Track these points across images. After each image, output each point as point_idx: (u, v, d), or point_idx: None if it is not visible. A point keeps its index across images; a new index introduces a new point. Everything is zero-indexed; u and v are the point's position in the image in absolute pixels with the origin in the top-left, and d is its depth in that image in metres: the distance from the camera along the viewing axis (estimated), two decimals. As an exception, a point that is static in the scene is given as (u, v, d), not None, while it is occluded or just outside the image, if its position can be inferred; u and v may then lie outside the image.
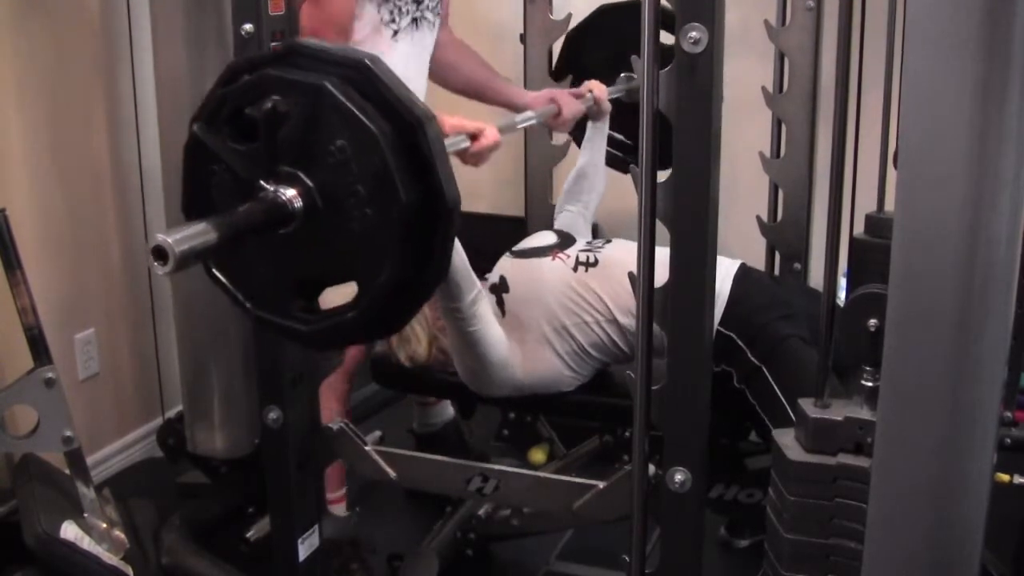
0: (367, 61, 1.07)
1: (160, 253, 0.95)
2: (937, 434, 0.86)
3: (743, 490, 1.88)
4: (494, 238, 3.58)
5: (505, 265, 2.08)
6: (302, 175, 1.07)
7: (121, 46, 2.48)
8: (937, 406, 0.85)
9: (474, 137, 1.70)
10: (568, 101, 2.21)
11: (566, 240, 2.10)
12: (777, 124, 2.48)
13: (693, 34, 1.19)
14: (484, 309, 1.84)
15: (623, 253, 1.99)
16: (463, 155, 1.72)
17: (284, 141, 1.07)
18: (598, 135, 2.32)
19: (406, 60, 2.09)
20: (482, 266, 3.60)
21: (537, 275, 2.00)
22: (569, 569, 2.27)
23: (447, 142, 1.65)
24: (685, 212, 1.27)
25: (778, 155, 2.46)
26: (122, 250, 2.59)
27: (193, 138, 1.11)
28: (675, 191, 1.26)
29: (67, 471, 1.96)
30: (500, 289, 2.02)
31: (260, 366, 1.59)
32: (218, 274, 1.15)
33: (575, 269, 1.98)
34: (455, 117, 1.81)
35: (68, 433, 1.91)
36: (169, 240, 0.95)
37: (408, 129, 1.05)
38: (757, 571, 1.40)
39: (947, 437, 0.86)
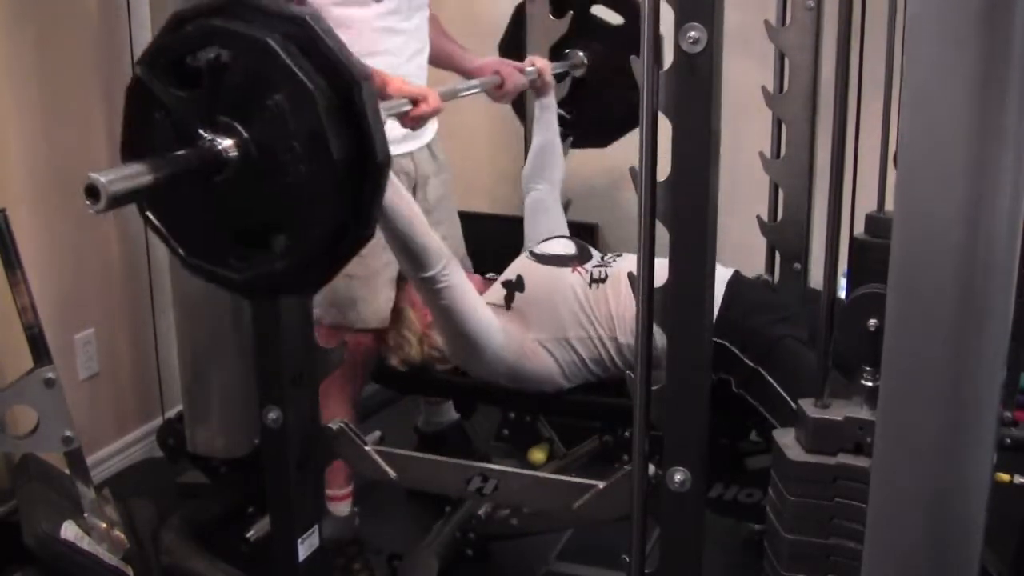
0: (308, 19, 1.08)
1: (92, 191, 0.97)
2: (937, 434, 0.86)
3: (743, 490, 1.88)
4: (494, 238, 3.59)
5: (525, 265, 2.08)
6: (239, 126, 1.09)
7: (121, 46, 2.48)
8: (937, 406, 0.85)
9: (415, 102, 1.71)
10: (510, 73, 2.22)
11: (584, 254, 2.10)
12: (777, 124, 2.47)
13: (692, 34, 1.19)
14: (457, 279, 1.83)
15: (631, 266, 1.99)
16: (403, 118, 1.73)
17: (225, 92, 1.08)
18: (547, 112, 2.32)
19: (392, 20, 2.06)
20: (482, 266, 3.60)
21: (556, 284, 2.00)
22: (569, 569, 2.27)
23: (389, 104, 1.68)
24: (685, 212, 1.27)
25: (778, 155, 2.46)
26: (122, 250, 2.59)
27: (136, 81, 1.13)
28: (675, 191, 1.26)
29: (67, 471, 1.96)
30: (514, 287, 2.02)
31: (260, 366, 1.59)
32: (152, 218, 1.17)
33: (589, 285, 1.98)
34: (397, 79, 1.81)
35: (68, 433, 1.91)
36: (102, 179, 0.97)
37: (344, 87, 1.07)
38: (757, 571, 1.40)
39: (947, 437, 0.86)
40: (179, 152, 1.08)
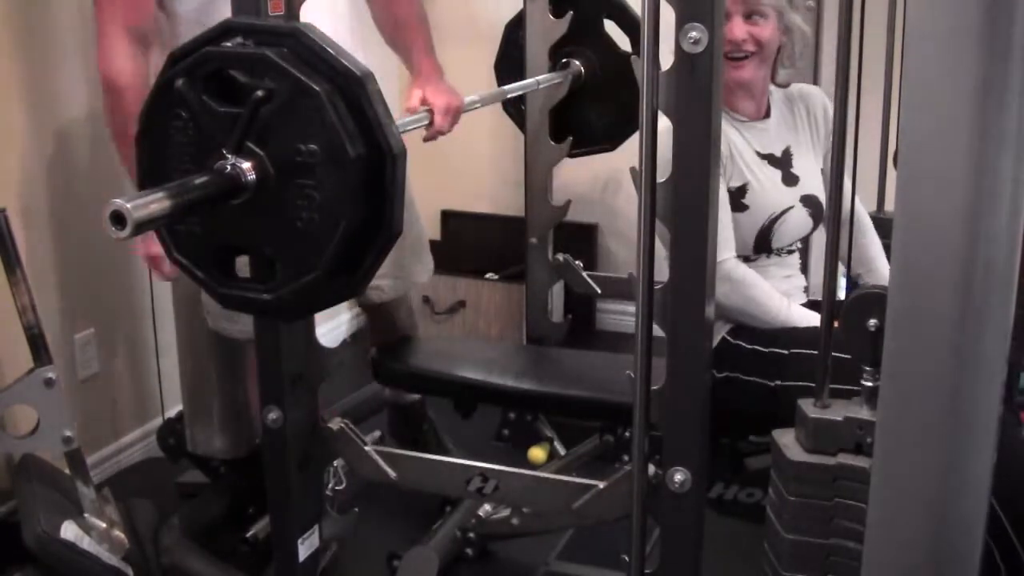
0: (364, 79, 1.09)
1: (118, 218, 0.97)
2: (937, 434, 0.86)
3: (743, 490, 1.88)
4: (494, 238, 3.60)
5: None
6: (259, 150, 1.09)
7: (121, 46, 2.48)
8: (937, 406, 0.85)
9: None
10: (442, 116, 1.96)
11: None
12: (777, 124, 2.47)
13: (693, 34, 1.19)
14: None
15: None
16: None
17: (259, 121, 1.08)
18: None
19: None
20: (482, 265, 3.61)
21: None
22: (568, 569, 2.27)
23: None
24: (685, 212, 1.27)
25: (778, 155, 2.46)
26: (122, 250, 2.59)
27: (168, 85, 1.12)
28: (675, 191, 1.26)
29: (67, 471, 1.96)
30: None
31: (260, 366, 1.59)
32: (181, 258, 1.17)
33: None
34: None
35: (68, 433, 1.91)
36: (128, 206, 0.97)
37: (381, 157, 1.09)
38: (757, 571, 1.40)
39: (947, 437, 0.86)
40: (203, 178, 1.08)
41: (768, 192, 1.96)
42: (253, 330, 1.57)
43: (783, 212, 1.96)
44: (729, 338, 1.92)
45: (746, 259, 1.96)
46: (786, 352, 1.84)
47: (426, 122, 1.93)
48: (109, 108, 1.90)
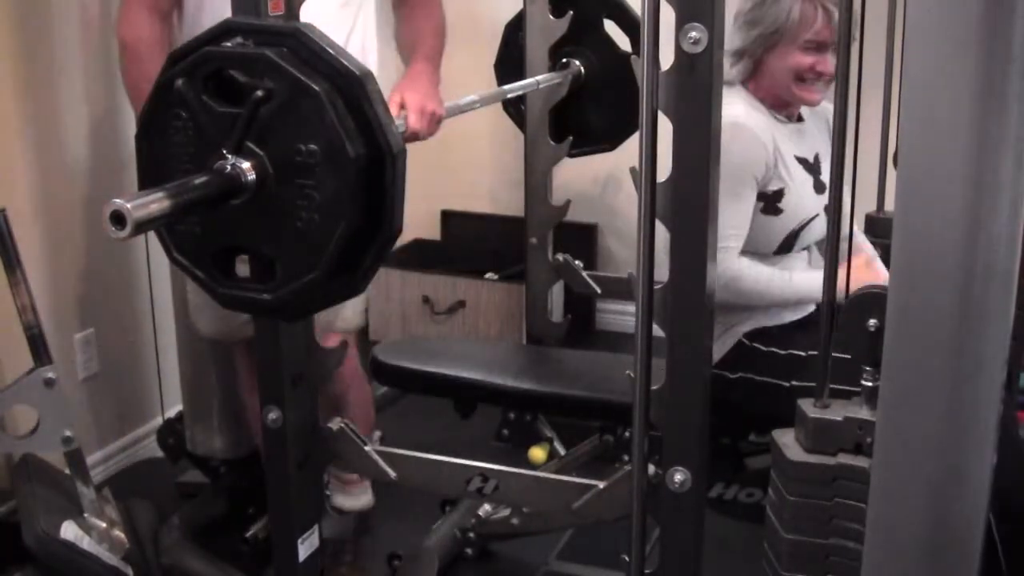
0: (363, 78, 1.09)
1: (118, 218, 0.98)
2: (937, 434, 0.86)
3: (743, 490, 1.88)
4: (494, 238, 3.60)
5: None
6: (259, 150, 1.09)
7: (121, 46, 2.48)
8: (937, 406, 0.85)
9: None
10: (415, 121, 1.88)
11: None
12: (777, 124, 2.47)
13: (693, 34, 1.19)
14: None
15: None
16: None
17: (259, 121, 1.09)
18: None
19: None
20: (482, 265, 3.61)
21: None
22: (568, 569, 2.27)
23: None
24: (685, 212, 1.27)
25: (778, 155, 2.46)
26: (122, 250, 2.59)
27: (169, 85, 1.12)
28: (675, 191, 1.26)
29: (67, 471, 1.96)
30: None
31: (260, 366, 1.59)
32: (181, 259, 1.18)
33: None
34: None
35: (68, 433, 1.91)
36: (128, 206, 0.98)
37: (379, 154, 1.09)
38: (757, 571, 1.40)
39: (947, 437, 0.86)
40: (203, 178, 1.08)
41: (802, 198, 1.98)
42: (211, 327, 1.54)
43: (811, 219, 1.99)
44: (745, 341, 1.93)
45: (764, 257, 1.97)
46: (803, 354, 1.84)
47: (403, 127, 1.86)
48: (127, 71, 1.98)
